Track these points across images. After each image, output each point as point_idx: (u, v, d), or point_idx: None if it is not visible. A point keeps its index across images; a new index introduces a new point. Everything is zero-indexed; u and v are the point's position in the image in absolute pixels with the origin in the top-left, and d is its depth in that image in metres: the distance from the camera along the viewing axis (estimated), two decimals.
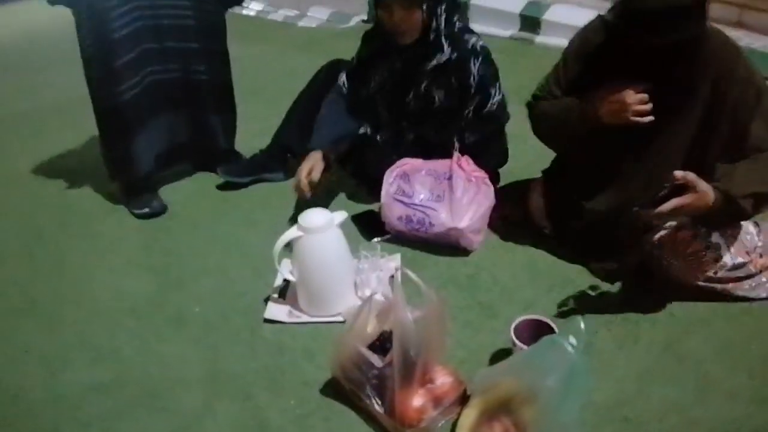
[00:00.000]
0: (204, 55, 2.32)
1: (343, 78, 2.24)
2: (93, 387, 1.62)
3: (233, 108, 2.53)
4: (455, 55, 2.01)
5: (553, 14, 4.00)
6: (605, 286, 1.81)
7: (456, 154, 2.03)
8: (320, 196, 2.17)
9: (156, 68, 2.24)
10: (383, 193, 2.07)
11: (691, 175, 1.40)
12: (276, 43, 4.71)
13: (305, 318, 1.77)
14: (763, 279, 1.71)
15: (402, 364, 1.35)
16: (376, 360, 1.41)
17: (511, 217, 2.07)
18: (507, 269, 1.93)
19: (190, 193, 2.51)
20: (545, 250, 1.99)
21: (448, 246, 2.00)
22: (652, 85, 1.57)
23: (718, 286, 1.69)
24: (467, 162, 2.02)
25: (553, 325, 1.49)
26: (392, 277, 1.87)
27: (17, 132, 3.30)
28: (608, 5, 1.64)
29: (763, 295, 1.71)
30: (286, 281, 1.85)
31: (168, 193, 2.48)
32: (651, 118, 1.57)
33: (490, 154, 2.15)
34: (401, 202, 2.03)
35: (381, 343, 1.49)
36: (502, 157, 2.24)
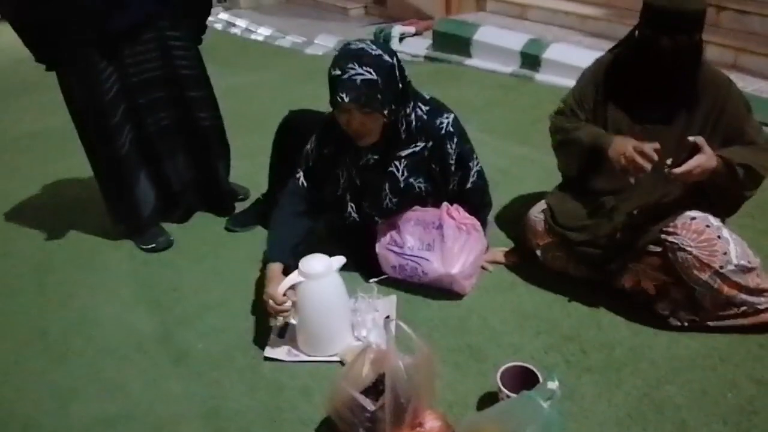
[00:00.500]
0: (191, 101, 2.36)
1: (301, 178, 2.06)
2: (101, 420, 1.69)
3: (227, 146, 2.59)
4: (431, 143, 1.96)
5: (552, 53, 4.11)
6: (591, 333, 1.88)
7: (445, 204, 2.04)
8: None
9: (148, 120, 2.29)
10: (377, 243, 2.10)
11: (700, 139, 1.71)
12: (281, 70, 4.79)
13: (303, 357, 1.84)
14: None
15: (393, 408, 1.43)
16: (368, 404, 1.48)
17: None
18: (497, 313, 1.99)
19: (196, 228, 2.59)
20: (535, 293, 2.06)
21: (442, 289, 2.06)
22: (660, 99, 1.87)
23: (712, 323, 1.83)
24: (457, 211, 2.03)
25: (537, 372, 1.57)
26: (387, 317, 1.95)
27: (28, 154, 3.39)
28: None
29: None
30: (287, 321, 1.92)
31: (174, 227, 2.56)
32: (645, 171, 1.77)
33: (478, 212, 2.14)
34: (393, 251, 2.06)
35: (375, 385, 1.56)
36: (489, 208, 2.23)
